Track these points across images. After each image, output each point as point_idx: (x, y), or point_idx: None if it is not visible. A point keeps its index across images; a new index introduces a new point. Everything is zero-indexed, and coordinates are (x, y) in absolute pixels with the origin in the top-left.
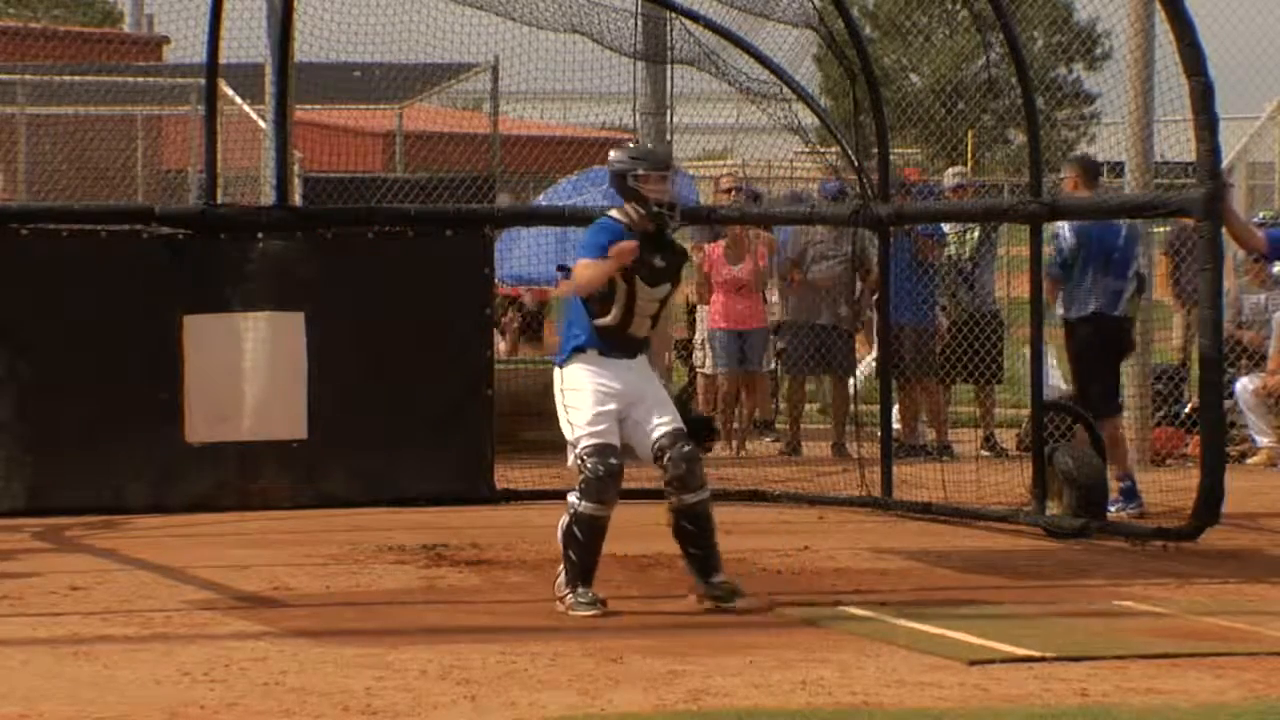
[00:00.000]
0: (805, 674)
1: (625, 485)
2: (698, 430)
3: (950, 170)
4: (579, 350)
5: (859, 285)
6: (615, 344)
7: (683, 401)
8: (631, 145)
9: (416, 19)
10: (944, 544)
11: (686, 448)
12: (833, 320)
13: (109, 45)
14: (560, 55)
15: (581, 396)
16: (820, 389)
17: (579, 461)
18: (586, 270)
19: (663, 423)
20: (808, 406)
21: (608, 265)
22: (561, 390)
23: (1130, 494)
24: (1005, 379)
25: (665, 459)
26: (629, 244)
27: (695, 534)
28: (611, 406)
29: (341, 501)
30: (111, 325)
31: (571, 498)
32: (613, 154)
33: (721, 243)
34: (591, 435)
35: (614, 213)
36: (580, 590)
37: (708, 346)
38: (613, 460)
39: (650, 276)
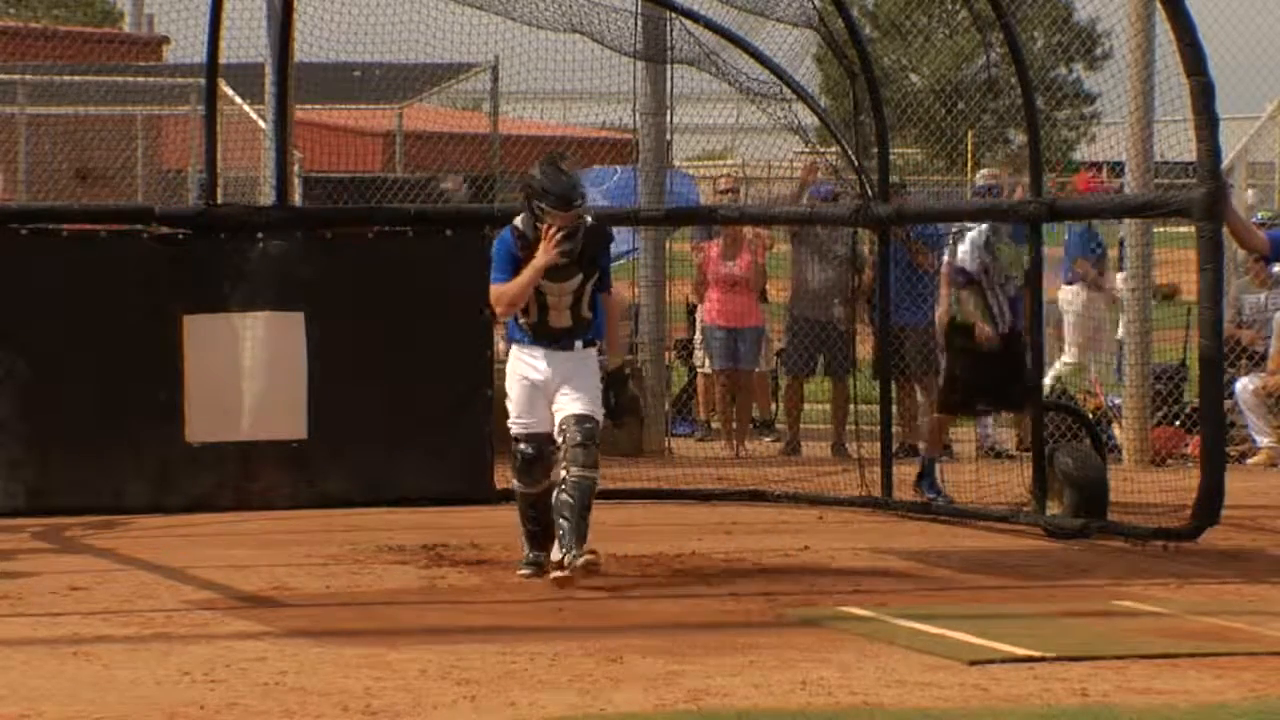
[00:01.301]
0: (805, 674)
1: (625, 486)
2: (615, 409)
3: (982, 171)
4: (515, 342)
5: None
6: (543, 337)
7: (619, 378)
8: (545, 174)
9: (416, 19)
10: (944, 544)
11: (587, 425)
12: (830, 318)
13: (109, 45)
14: (560, 55)
15: (513, 386)
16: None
17: (513, 445)
18: (504, 293)
19: (573, 401)
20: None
21: (525, 280)
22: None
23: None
24: None
25: (565, 434)
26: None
27: (570, 505)
28: (539, 392)
29: (341, 501)
30: (111, 325)
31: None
32: (531, 173)
33: (719, 241)
34: (519, 424)
35: (519, 221)
36: (525, 553)
37: (702, 344)
38: (531, 448)
39: (552, 274)
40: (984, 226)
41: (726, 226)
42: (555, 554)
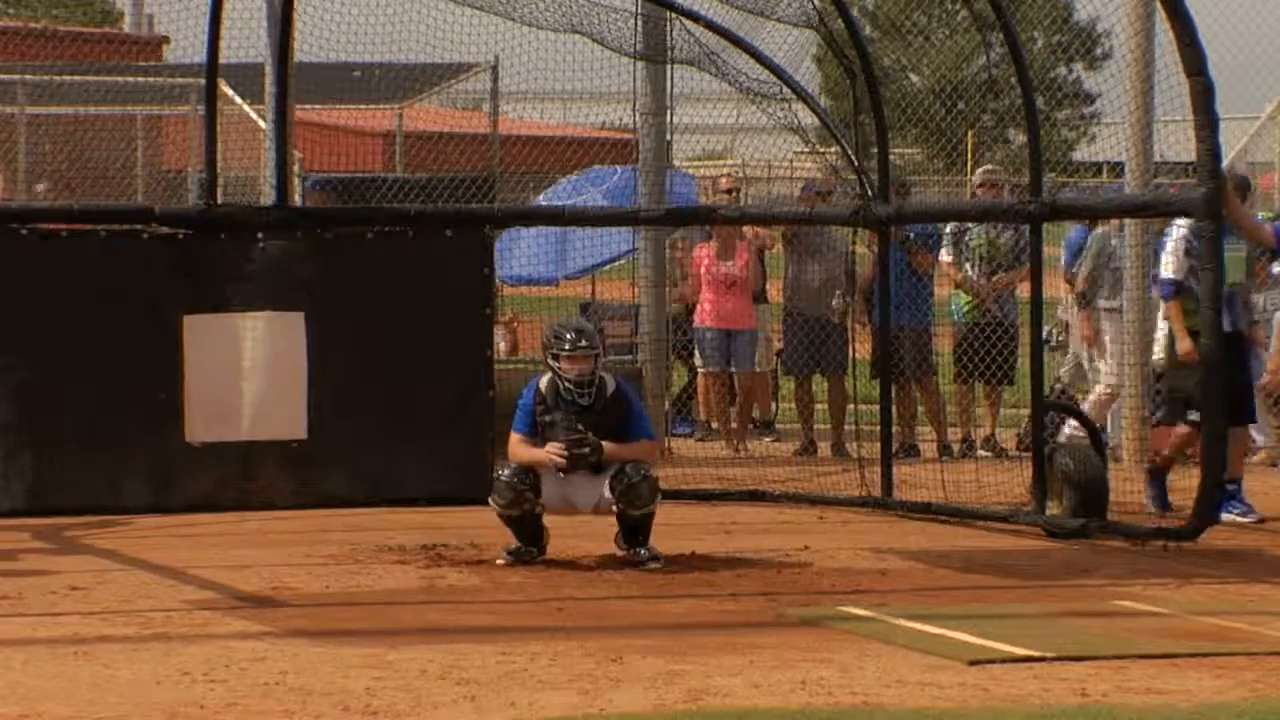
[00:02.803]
0: (805, 674)
1: None
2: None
3: (986, 167)
4: None
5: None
6: None
7: (587, 446)
8: (560, 323)
9: (416, 19)
10: (944, 544)
11: (637, 477)
12: (825, 315)
13: (109, 45)
14: (560, 55)
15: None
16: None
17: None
18: (511, 454)
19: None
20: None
21: (524, 461)
22: None
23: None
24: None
25: (619, 479)
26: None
27: (634, 526)
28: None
29: (341, 501)
30: (111, 325)
31: None
32: (550, 330)
33: (712, 244)
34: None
35: (543, 382)
36: (511, 543)
37: (696, 345)
38: (507, 471)
39: (570, 436)
40: (1183, 232)
41: (720, 226)
42: (620, 548)
